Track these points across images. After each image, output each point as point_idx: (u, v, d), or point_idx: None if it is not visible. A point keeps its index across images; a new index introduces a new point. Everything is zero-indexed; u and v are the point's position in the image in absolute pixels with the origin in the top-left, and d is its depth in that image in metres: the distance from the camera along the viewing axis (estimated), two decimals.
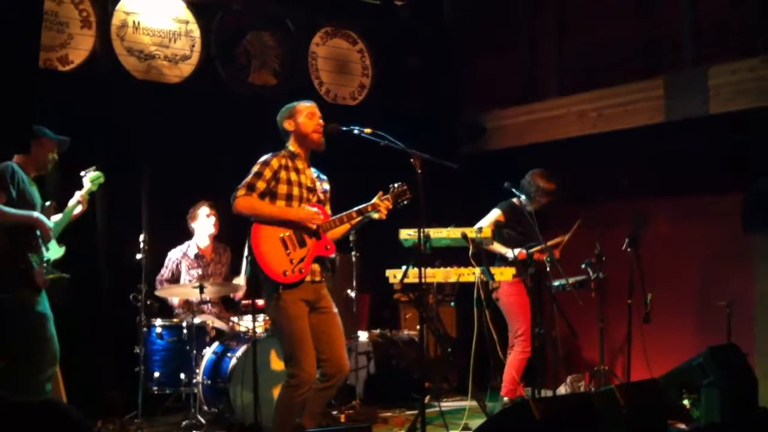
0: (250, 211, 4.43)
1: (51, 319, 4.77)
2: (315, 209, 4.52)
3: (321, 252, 4.53)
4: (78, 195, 5.05)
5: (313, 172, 4.69)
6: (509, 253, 5.87)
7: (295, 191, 4.53)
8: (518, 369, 5.98)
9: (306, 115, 4.63)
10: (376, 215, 4.62)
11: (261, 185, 4.45)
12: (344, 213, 4.60)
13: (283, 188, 4.50)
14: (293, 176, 4.54)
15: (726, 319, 6.12)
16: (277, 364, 5.57)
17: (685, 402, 5.08)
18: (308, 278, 4.47)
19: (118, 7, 6.61)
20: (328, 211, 4.68)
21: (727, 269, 6.65)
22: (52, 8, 6.26)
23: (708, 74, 6.36)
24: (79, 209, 5.04)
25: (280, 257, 4.41)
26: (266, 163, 4.50)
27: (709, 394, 4.88)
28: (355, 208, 4.61)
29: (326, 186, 4.76)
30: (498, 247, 5.99)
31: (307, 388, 4.38)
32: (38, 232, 4.74)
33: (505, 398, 5.98)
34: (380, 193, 4.65)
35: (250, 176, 4.48)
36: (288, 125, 4.64)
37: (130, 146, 6.53)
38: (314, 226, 4.47)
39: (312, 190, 4.61)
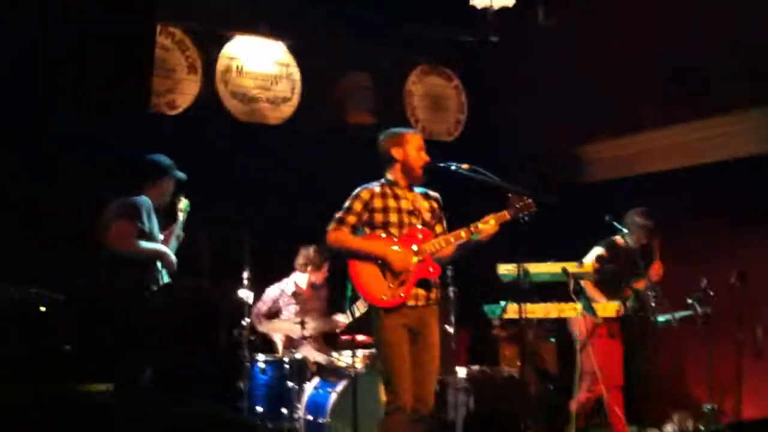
0: (338, 245, 4.46)
1: None
2: (399, 248, 4.38)
3: (424, 275, 4.42)
4: (178, 225, 5.22)
5: (418, 192, 4.61)
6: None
7: (393, 218, 4.46)
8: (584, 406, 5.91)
9: (416, 148, 4.57)
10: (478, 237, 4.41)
11: (351, 219, 4.45)
12: (451, 233, 4.49)
13: (378, 217, 4.46)
14: (391, 203, 4.48)
15: None
16: (378, 400, 5.59)
17: None
18: (411, 302, 4.39)
19: (223, 52, 6.87)
20: (440, 230, 4.58)
21: None
22: (161, 55, 6.55)
23: None
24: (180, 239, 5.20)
25: (378, 282, 4.37)
26: (357, 197, 4.50)
27: None
28: (465, 228, 4.45)
29: (435, 205, 4.63)
30: (594, 292, 5.90)
31: (403, 415, 4.30)
32: (159, 265, 4.91)
33: None
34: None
35: (341, 211, 4.50)
36: (396, 153, 4.54)
37: (234, 186, 6.73)
38: (399, 270, 4.35)
39: (413, 213, 4.51)
